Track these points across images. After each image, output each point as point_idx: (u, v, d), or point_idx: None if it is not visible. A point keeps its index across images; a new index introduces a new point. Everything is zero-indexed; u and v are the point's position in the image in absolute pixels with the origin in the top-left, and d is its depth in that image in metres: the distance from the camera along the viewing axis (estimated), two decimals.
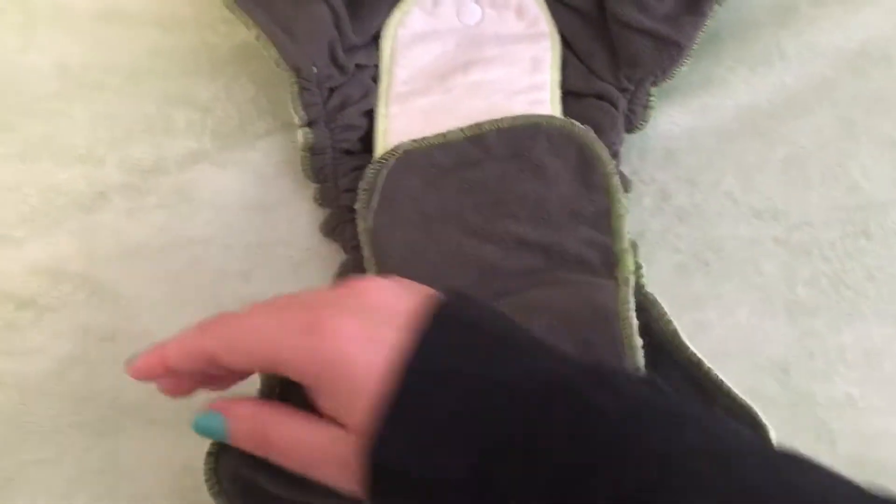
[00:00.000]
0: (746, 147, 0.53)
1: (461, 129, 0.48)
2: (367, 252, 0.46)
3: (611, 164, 0.47)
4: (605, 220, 0.47)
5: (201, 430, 0.37)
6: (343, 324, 0.33)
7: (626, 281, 0.45)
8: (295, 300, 0.35)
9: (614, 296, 0.44)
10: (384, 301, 0.34)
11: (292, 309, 0.35)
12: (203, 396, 0.47)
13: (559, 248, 0.46)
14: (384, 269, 0.46)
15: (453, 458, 0.31)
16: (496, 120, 0.48)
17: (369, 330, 0.33)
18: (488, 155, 0.48)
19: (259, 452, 0.36)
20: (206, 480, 0.41)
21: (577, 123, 0.48)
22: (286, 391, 0.43)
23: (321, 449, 0.34)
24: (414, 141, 0.48)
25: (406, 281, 0.36)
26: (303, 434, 0.34)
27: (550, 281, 0.45)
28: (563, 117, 0.49)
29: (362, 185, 0.47)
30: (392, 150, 0.48)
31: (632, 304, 0.44)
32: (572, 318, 0.43)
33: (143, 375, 0.38)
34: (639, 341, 0.43)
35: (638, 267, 0.48)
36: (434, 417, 0.31)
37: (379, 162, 0.47)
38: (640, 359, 0.43)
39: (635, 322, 0.44)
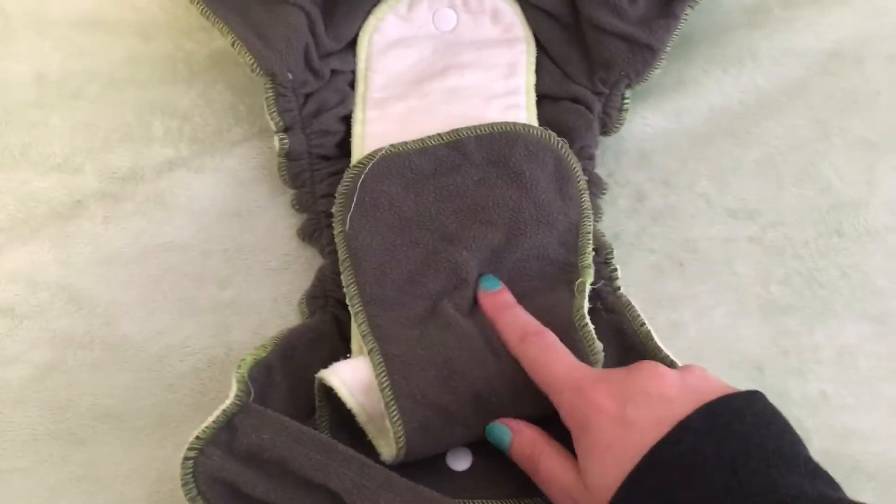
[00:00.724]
0: (720, 148, 0.53)
1: (440, 135, 0.48)
2: (342, 255, 0.46)
3: (583, 181, 0.48)
4: (573, 233, 0.47)
5: (491, 434, 0.43)
6: (604, 399, 0.38)
7: (582, 292, 0.45)
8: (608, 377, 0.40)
9: (570, 306, 0.45)
10: (663, 393, 0.38)
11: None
12: (179, 407, 0.48)
13: (526, 259, 0.46)
14: (360, 273, 0.46)
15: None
16: (475, 126, 0.48)
17: (621, 411, 0.38)
18: (467, 161, 0.48)
19: (524, 468, 0.42)
20: (184, 485, 0.41)
21: (554, 134, 0.48)
22: (263, 395, 0.44)
23: (567, 491, 0.40)
24: (392, 146, 0.48)
25: (703, 376, 0.39)
26: (559, 473, 0.40)
27: (515, 293, 0.46)
28: (540, 127, 0.49)
29: (340, 188, 0.47)
30: (370, 154, 0.48)
31: (585, 312, 0.45)
32: None
33: None
34: (599, 346, 0.44)
35: (613, 269, 0.48)
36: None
37: (357, 166, 0.48)
38: (601, 363, 0.44)
39: (591, 327, 0.44)
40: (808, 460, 0.36)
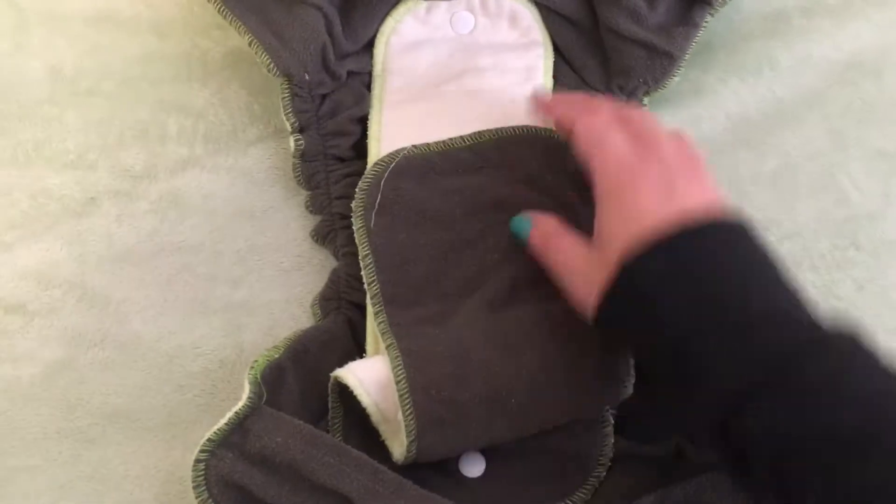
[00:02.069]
0: (736, 157, 0.53)
1: (462, 137, 0.48)
2: (363, 252, 0.46)
3: None
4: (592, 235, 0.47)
5: (514, 227, 0.46)
6: (650, 180, 0.40)
7: None
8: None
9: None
10: (691, 172, 0.41)
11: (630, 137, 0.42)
12: (189, 407, 0.48)
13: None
14: (382, 271, 0.46)
15: (694, 310, 0.37)
16: (497, 129, 0.48)
17: (674, 187, 0.40)
18: (488, 163, 0.48)
19: (540, 252, 0.44)
20: (195, 487, 0.41)
21: None
22: (275, 397, 0.44)
23: (579, 262, 0.42)
24: (415, 146, 0.48)
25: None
26: (573, 247, 0.42)
27: (527, 298, 0.45)
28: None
29: (361, 185, 0.47)
30: (393, 153, 0.47)
31: None
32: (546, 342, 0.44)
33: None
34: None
35: None
36: (691, 277, 0.37)
37: (380, 164, 0.47)
38: (628, 367, 0.43)
39: None
40: (789, 284, 0.38)
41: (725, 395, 0.35)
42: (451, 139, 0.48)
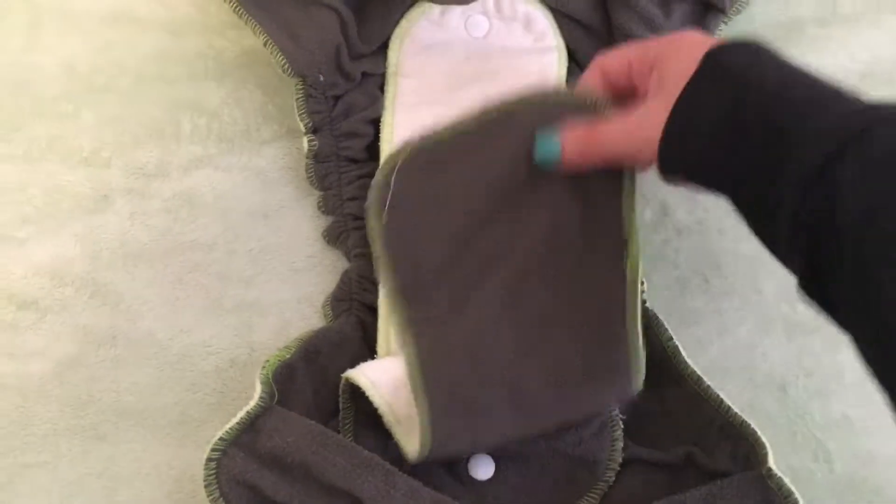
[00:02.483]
0: None
1: (469, 117, 0.46)
2: (378, 249, 0.45)
3: None
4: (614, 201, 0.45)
5: (541, 150, 0.44)
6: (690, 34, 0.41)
7: (635, 277, 0.44)
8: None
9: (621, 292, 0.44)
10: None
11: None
12: (200, 406, 0.48)
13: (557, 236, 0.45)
14: (396, 267, 0.45)
15: (747, 118, 0.37)
16: (502, 101, 0.46)
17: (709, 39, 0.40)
18: (496, 139, 0.46)
19: (584, 149, 0.42)
20: (207, 486, 0.41)
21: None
22: (287, 397, 0.44)
23: (631, 129, 0.41)
24: (423, 137, 0.47)
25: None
26: (618, 123, 0.42)
27: (544, 277, 0.45)
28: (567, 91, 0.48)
29: (374, 182, 0.46)
30: (402, 146, 0.46)
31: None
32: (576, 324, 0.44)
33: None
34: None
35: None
36: (739, 84, 0.37)
37: (389, 160, 0.46)
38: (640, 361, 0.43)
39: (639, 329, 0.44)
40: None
41: (817, 154, 0.35)
42: (458, 121, 0.46)
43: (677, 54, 0.40)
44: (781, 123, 0.36)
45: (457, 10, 0.53)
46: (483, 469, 0.44)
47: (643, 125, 0.40)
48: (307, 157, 0.50)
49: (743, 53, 0.39)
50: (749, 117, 0.37)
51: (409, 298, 0.45)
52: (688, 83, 0.39)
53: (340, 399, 0.45)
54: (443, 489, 0.42)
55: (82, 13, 0.55)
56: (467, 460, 0.44)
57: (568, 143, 0.43)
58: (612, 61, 0.43)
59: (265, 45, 0.49)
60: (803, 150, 0.35)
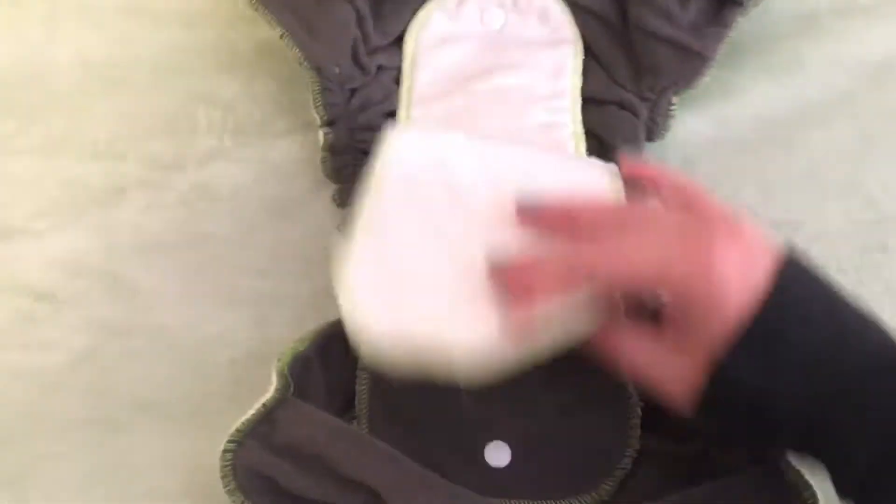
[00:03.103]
0: (765, 157, 0.53)
1: None
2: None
3: None
4: None
5: None
6: (729, 253, 0.36)
7: None
8: (671, 223, 0.39)
9: None
10: (756, 240, 0.38)
11: (675, 232, 0.38)
12: (215, 397, 0.48)
13: None
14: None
15: (792, 389, 0.35)
16: None
17: (748, 262, 0.37)
18: None
19: (608, 362, 0.41)
20: (223, 477, 0.41)
21: None
22: (302, 389, 0.44)
23: (660, 369, 0.39)
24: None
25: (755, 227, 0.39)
26: (646, 355, 0.40)
27: None
28: None
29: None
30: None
31: None
32: None
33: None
34: None
35: None
36: (785, 351, 0.36)
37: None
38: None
39: None
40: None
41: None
42: None
43: (710, 301, 0.36)
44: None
45: (472, 3, 0.53)
46: (499, 456, 0.44)
47: (666, 377, 0.39)
48: (323, 150, 0.51)
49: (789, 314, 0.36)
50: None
51: None
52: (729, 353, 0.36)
53: (357, 390, 0.45)
54: (458, 477, 0.41)
55: (97, 6, 0.55)
56: (483, 448, 0.44)
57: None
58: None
59: (281, 38, 0.50)
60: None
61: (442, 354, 0.40)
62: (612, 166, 0.45)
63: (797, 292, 0.37)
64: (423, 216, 0.42)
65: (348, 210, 0.51)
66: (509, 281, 0.39)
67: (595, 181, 0.44)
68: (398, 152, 0.43)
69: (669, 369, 0.39)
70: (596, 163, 0.46)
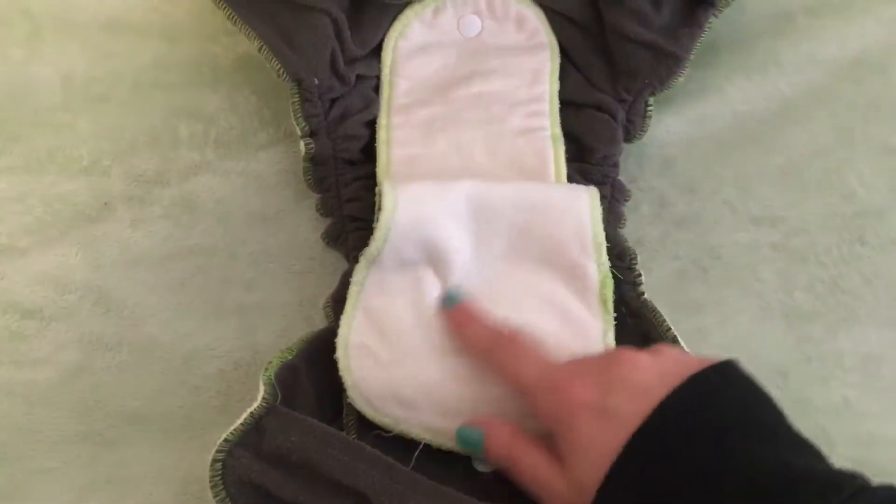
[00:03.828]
0: (743, 155, 0.53)
1: None
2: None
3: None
4: None
5: (461, 438, 0.43)
6: (583, 393, 0.38)
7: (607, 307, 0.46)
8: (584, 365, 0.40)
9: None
10: (640, 379, 0.37)
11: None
12: (205, 408, 0.48)
13: None
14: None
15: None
16: None
17: (603, 402, 0.37)
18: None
19: (505, 469, 0.42)
20: (213, 487, 0.41)
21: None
22: (290, 397, 0.44)
23: (551, 487, 0.39)
24: None
25: (673, 356, 0.39)
26: (540, 470, 0.40)
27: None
28: None
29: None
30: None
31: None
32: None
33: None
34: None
35: (637, 274, 0.49)
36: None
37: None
38: None
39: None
40: (791, 431, 0.36)
41: None
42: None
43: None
44: None
45: (449, 11, 0.54)
46: (486, 462, 0.45)
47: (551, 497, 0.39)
48: (304, 161, 0.51)
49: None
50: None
51: None
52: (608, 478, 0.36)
53: (344, 397, 0.45)
54: (446, 483, 0.42)
55: (80, 24, 0.55)
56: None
57: (488, 452, 0.42)
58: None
59: (259, 50, 0.50)
60: None
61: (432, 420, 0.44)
62: (592, 188, 0.47)
63: (672, 433, 0.36)
64: (413, 277, 0.45)
65: (331, 219, 0.51)
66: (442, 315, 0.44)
67: (576, 206, 0.46)
68: (399, 214, 0.45)
69: (555, 492, 0.39)
70: (578, 188, 0.47)
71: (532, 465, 0.40)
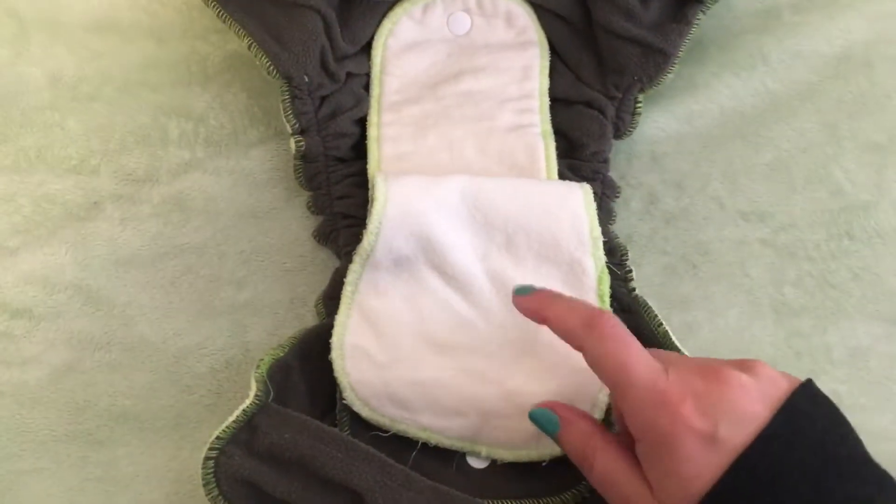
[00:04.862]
0: (731, 151, 0.53)
1: None
2: None
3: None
4: None
5: (536, 418, 0.41)
6: (693, 417, 0.36)
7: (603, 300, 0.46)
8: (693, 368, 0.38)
9: None
10: (748, 409, 0.36)
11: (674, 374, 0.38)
12: (196, 407, 0.48)
13: None
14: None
15: None
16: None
17: (713, 431, 0.36)
18: None
19: (577, 463, 0.40)
20: (205, 485, 0.41)
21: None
22: (282, 395, 0.44)
23: (627, 496, 0.38)
24: None
25: (771, 377, 0.38)
26: (618, 475, 0.39)
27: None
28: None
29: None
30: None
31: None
32: None
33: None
34: None
35: (628, 270, 0.49)
36: None
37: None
38: None
39: None
40: (874, 465, 0.36)
41: None
42: None
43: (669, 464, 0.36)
44: None
45: (438, 9, 0.54)
46: (479, 458, 0.45)
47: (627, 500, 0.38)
48: (295, 158, 0.51)
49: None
50: None
51: None
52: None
53: (337, 394, 0.45)
54: (439, 479, 0.42)
55: (67, 24, 0.55)
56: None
57: (562, 442, 0.41)
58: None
59: (249, 48, 0.50)
60: None
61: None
62: (584, 185, 0.48)
63: (770, 465, 0.35)
64: (409, 276, 0.46)
65: (322, 217, 0.51)
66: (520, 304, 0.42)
67: (570, 201, 0.47)
68: (390, 206, 0.45)
69: (633, 495, 0.38)
70: (571, 184, 0.48)
71: (610, 469, 0.39)
